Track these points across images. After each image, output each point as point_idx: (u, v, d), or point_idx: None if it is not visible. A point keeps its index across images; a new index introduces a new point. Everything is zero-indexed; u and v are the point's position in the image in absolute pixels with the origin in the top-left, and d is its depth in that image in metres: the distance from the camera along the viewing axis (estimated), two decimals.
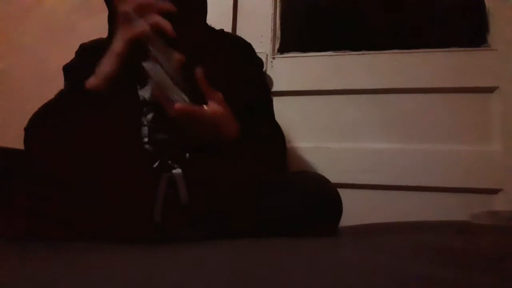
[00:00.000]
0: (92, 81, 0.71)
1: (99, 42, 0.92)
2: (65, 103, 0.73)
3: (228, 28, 1.29)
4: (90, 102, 0.70)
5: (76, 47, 0.91)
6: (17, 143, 0.73)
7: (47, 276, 0.39)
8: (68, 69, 0.88)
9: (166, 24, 0.68)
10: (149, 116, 0.75)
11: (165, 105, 0.68)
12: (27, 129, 0.72)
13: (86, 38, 0.93)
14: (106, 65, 0.71)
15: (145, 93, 0.77)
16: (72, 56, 0.90)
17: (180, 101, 0.66)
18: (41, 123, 0.72)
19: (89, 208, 0.67)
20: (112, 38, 0.72)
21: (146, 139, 0.74)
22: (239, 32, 1.32)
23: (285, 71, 1.28)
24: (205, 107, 0.68)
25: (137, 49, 0.68)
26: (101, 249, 0.57)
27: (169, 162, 0.71)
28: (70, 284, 0.37)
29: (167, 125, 0.72)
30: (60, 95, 0.75)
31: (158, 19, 0.69)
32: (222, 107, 0.71)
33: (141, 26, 0.68)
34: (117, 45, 0.71)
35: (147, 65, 0.66)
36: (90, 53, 0.89)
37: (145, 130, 0.75)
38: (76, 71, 0.84)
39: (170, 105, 0.67)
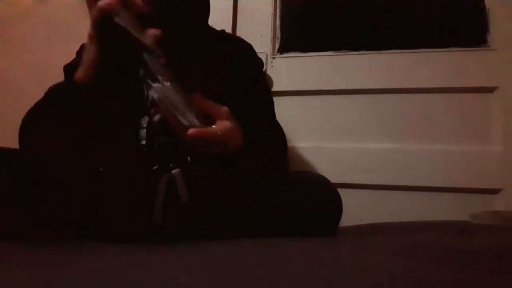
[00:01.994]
0: (79, 73, 0.68)
1: None
2: (55, 99, 0.71)
3: (228, 28, 1.29)
4: (80, 94, 0.67)
5: (76, 48, 0.90)
6: (17, 143, 0.73)
7: (47, 276, 0.39)
8: (68, 69, 0.88)
9: None
10: (157, 117, 0.75)
11: (175, 128, 0.64)
12: (20, 130, 0.72)
13: (86, 39, 0.93)
14: (86, 52, 0.67)
15: (154, 93, 0.75)
16: (72, 56, 0.90)
17: (191, 124, 0.62)
18: (34, 123, 0.71)
19: (88, 208, 0.67)
20: None
21: (144, 142, 0.74)
22: (239, 32, 1.32)
23: (285, 71, 1.27)
24: (214, 127, 0.65)
25: (113, 29, 0.62)
26: (101, 249, 0.57)
27: (170, 165, 0.71)
28: (70, 284, 0.37)
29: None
30: (49, 91, 0.73)
31: None
32: (229, 122, 0.68)
33: (101, 3, 0.62)
34: (90, 28, 0.65)
35: (155, 86, 0.63)
36: None
37: (143, 132, 0.74)
38: (73, 70, 0.84)
39: (180, 128, 0.63)
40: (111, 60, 0.66)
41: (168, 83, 0.63)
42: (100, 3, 0.62)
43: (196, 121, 0.64)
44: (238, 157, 0.69)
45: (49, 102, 0.71)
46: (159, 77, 0.63)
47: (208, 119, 0.65)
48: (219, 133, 0.65)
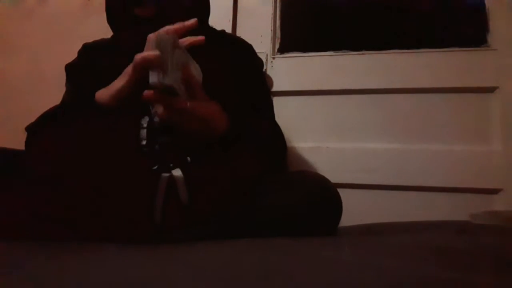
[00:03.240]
0: (103, 96, 0.71)
1: (101, 42, 0.92)
2: (72, 113, 0.73)
3: (228, 28, 1.29)
4: (97, 114, 0.70)
5: (76, 48, 0.91)
6: (17, 143, 0.73)
7: (47, 276, 0.39)
8: (70, 69, 0.89)
9: None
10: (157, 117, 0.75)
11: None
12: (30, 132, 0.72)
13: (86, 39, 0.93)
14: (118, 82, 0.71)
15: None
16: (72, 56, 0.90)
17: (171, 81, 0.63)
18: (45, 127, 0.72)
19: (89, 209, 0.67)
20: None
21: (144, 142, 0.74)
22: (239, 32, 1.32)
23: (285, 71, 1.27)
24: (183, 99, 0.66)
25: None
26: (101, 249, 0.57)
27: (171, 165, 0.71)
28: (70, 284, 0.37)
29: (170, 128, 0.71)
30: (67, 104, 0.75)
31: None
32: (211, 103, 0.70)
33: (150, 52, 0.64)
34: (130, 66, 0.69)
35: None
36: (92, 53, 0.90)
37: (143, 132, 0.75)
38: (81, 75, 0.84)
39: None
40: (138, 92, 0.68)
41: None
42: (145, 56, 0.63)
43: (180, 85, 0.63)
44: (224, 142, 0.70)
45: (66, 114, 0.73)
46: None
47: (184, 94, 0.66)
48: (188, 104, 0.65)
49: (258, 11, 1.32)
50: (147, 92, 0.62)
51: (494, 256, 0.49)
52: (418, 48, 1.21)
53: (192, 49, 0.70)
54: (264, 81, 0.99)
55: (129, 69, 0.69)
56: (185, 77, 0.66)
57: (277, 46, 1.31)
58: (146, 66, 0.62)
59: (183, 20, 0.80)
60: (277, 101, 1.24)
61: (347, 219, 0.75)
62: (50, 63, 1.26)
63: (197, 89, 0.69)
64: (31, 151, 0.71)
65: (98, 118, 0.70)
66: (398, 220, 0.95)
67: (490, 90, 1.15)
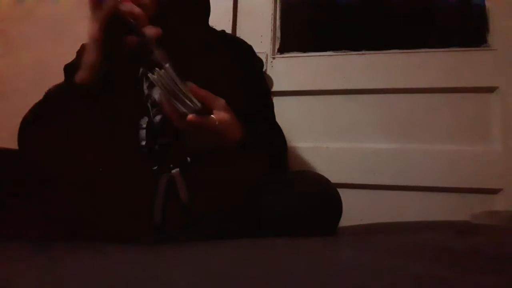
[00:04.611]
0: (80, 75, 0.69)
1: None
2: (55, 100, 0.71)
3: (228, 28, 1.29)
4: (80, 96, 0.68)
5: (76, 47, 0.91)
6: (17, 143, 0.73)
7: (48, 276, 0.39)
8: (69, 69, 0.88)
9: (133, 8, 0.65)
10: (158, 117, 0.75)
11: (171, 115, 0.66)
12: (19, 130, 0.72)
13: (86, 39, 0.93)
14: (88, 54, 0.68)
15: (155, 93, 0.75)
16: (72, 56, 0.90)
17: (190, 110, 0.63)
18: (34, 123, 0.72)
19: (88, 209, 0.67)
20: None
21: (143, 142, 0.74)
22: (239, 32, 1.32)
23: (285, 71, 1.27)
24: (213, 116, 0.66)
25: (116, 31, 0.65)
26: (101, 249, 0.57)
27: (170, 165, 0.71)
28: (71, 284, 0.37)
29: (173, 129, 0.70)
30: (49, 92, 0.73)
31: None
32: (227, 113, 0.69)
33: (109, 3, 0.64)
34: (92, 30, 0.67)
35: (152, 76, 0.63)
36: None
37: (143, 133, 0.74)
38: (73, 70, 0.84)
39: (176, 115, 0.64)
40: (112, 63, 0.67)
41: (168, 68, 0.63)
42: (106, 6, 0.64)
43: (196, 108, 0.64)
44: (236, 152, 0.70)
45: (49, 103, 0.72)
46: (162, 63, 0.63)
47: (205, 109, 0.66)
48: (217, 122, 0.65)
49: (258, 11, 1.33)
50: (191, 117, 0.62)
51: (494, 256, 0.49)
52: (418, 48, 1.21)
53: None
54: (264, 82, 0.99)
55: (92, 33, 0.67)
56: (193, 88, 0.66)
57: (277, 46, 1.31)
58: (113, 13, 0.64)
59: (183, 19, 0.80)
60: (277, 101, 1.24)
61: (347, 219, 0.75)
62: (50, 63, 1.26)
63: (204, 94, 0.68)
64: (27, 151, 0.71)
65: (82, 99, 0.68)
66: (398, 220, 0.95)
67: (490, 90, 1.15)
